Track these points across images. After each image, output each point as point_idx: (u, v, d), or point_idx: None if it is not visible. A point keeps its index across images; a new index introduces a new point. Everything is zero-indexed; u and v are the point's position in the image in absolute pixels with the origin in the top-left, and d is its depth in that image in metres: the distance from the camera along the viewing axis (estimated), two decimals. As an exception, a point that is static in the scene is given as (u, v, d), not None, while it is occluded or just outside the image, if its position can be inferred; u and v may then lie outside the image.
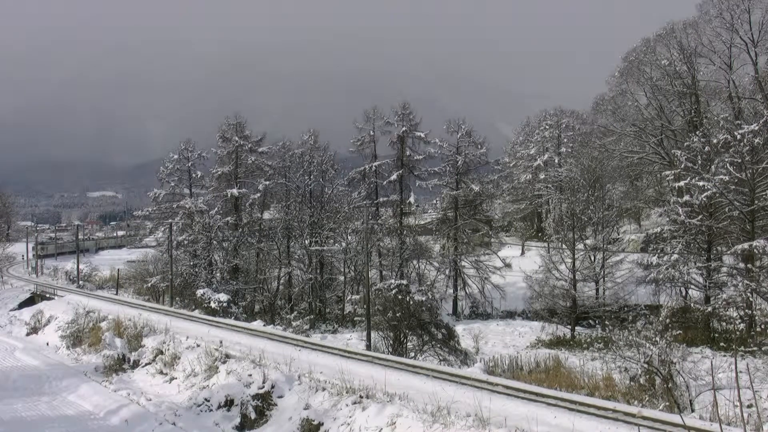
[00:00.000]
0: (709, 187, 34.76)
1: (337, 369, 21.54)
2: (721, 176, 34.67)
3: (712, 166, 35.57)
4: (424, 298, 34.82)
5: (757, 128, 34.27)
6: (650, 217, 69.09)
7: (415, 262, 55.63)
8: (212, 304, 45.07)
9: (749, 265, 33.70)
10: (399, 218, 57.85)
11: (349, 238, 56.18)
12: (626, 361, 22.83)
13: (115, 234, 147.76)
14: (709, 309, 34.97)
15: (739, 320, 33.43)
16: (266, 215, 60.77)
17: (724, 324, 34.61)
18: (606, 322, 38.03)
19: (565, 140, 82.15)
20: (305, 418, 19.83)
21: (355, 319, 48.60)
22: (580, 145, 74.44)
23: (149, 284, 58.79)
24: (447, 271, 55.11)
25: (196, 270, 55.22)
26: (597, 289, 43.42)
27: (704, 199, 34.98)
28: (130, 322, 35.02)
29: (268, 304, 55.68)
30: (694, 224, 36.14)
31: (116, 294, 59.39)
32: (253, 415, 21.78)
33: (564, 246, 43.71)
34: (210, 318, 39.14)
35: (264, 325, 37.76)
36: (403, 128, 56.27)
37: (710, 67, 55.34)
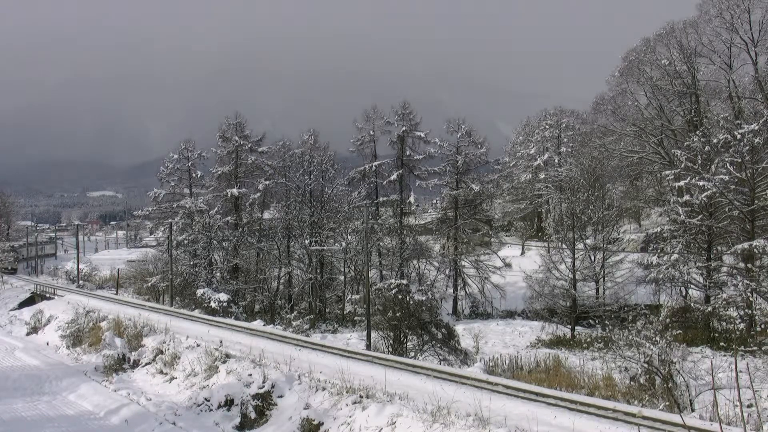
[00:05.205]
0: (709, 186, 34.75)
1: (337, 369, 21.53)
2: (721, 176, 34.66)
3: (712, 166, 35.56)
4: (424, 298, 34.80)
5: (757, 128, 34.27)
6: (650, 217, 69.11)
7: (415, 261, 55.57)
8: (212, 304, 45.07)
9: (749, 265, 33.69)
10: (399, 218, 57.81)
11: (349, 237, 56.12)
12: (626, 360, 22.81)
13: (115, 234, 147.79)
14: (709, 309, 34.96)
15: (739, 320, 33.40)
16: (266, 215, 60.75)
17: (724, 324, 34.56)
18: (606, 322, 37.97)
19: (565, 140, 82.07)
20: (305, 418, 19.83)
21: (355, 318, 48.56)
22: (580, 145, 74.35)
23: (149, 284, 58.78)
24: (447, 271, 55.05)
25: (196, 270, 55.18)
26: (597, 289, 43.37)
27: (704, 198, 34.97)
28: (130, 322, 35.03)
29: (268, 304, 55.65)
30: (694, 224, 36.14)
31: (116, 294, 59.38)
32: (253, 415, 21.78)
33: (564, 246, 43.66)
34: (210, 318, 39.13)
35: (264, 325, 37.74)
36: (403, 128, 56.23)
37: (710, 67, 55.32)
